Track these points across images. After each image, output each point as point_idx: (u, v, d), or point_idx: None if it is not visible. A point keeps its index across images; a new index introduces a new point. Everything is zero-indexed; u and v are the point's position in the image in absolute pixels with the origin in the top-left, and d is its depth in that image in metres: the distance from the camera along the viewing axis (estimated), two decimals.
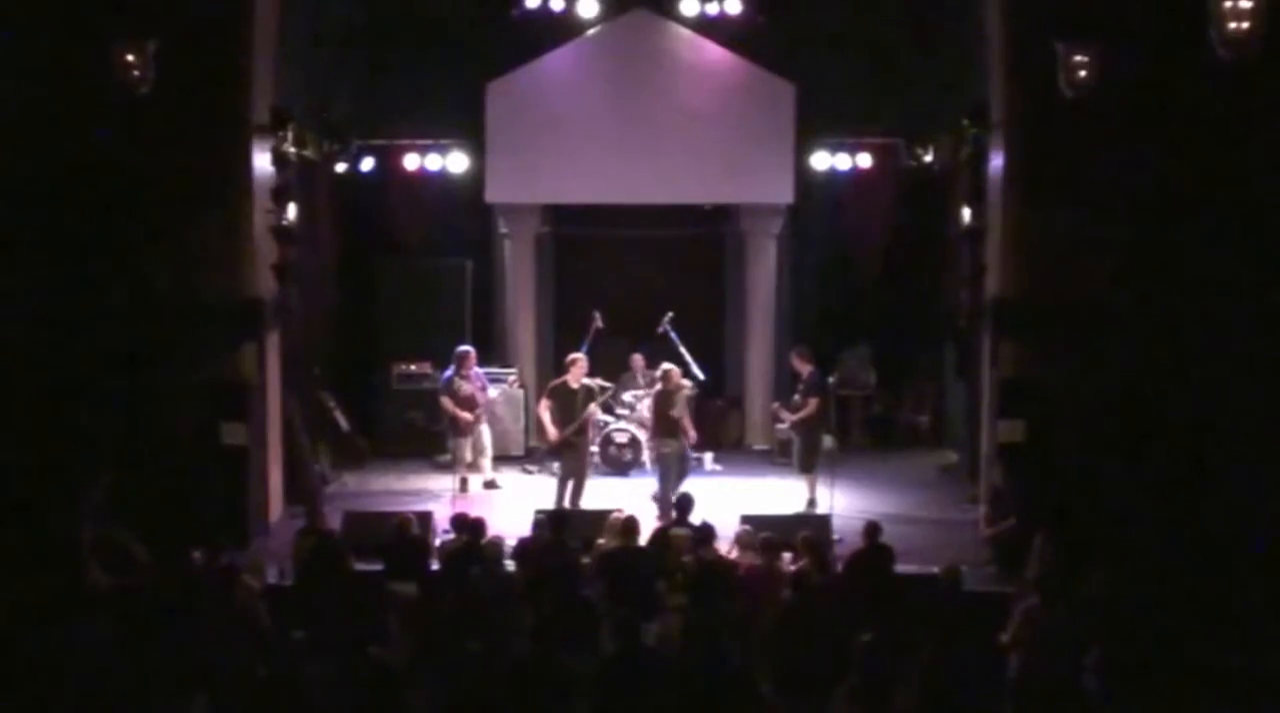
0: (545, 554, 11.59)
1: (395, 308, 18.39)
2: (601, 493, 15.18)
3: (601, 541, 11.96)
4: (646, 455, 16.11)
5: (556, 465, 15.25)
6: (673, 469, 14.58)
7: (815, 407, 14.72)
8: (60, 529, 11.80)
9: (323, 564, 11.40)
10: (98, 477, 12.53)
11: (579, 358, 15.08)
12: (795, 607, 10.51)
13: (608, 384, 16.22)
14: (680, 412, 14.80)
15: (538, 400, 15.97)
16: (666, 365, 15.14)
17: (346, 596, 10.96)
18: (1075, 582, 10.42)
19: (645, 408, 16.43)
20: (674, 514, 12.47)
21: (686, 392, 15.16)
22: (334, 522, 13.19)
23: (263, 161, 14.08)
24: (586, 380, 14.94)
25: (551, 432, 14.62)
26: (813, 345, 15.61)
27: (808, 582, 10.74)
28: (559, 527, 11.94)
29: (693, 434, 15.00)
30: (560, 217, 18.98)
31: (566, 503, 14.44)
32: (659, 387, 14.99)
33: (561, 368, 15.76)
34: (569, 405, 14.62)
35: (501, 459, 16.77)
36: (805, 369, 14.88)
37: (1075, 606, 10.12)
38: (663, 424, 14.77)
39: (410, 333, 18.03)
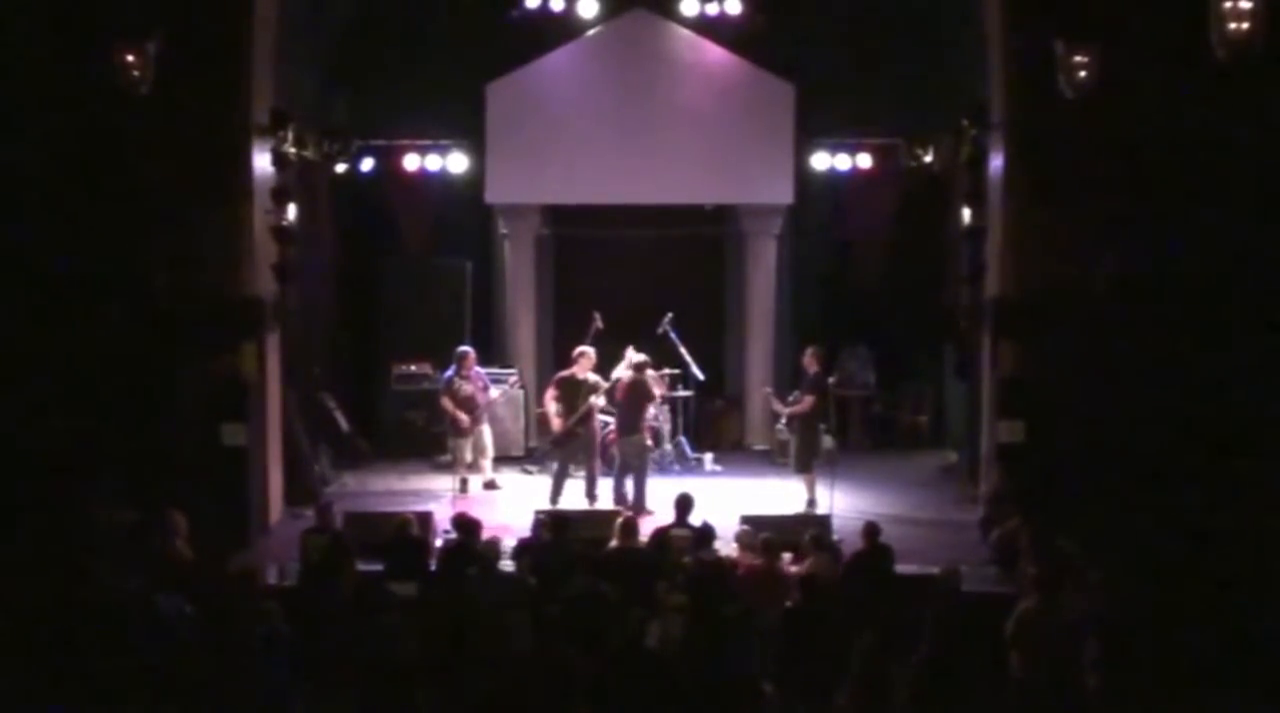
0: (549, 554, 11.61)
1: (395, 308, 18.39)
2: (603, 493, 15.19)
3: (614, 543, 11.93)
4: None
5: (555, 463, 15.31)
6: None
7: (809, 405, 14.73)
8: (63, 528, 11.83)
9: (331, 564, 11.40)
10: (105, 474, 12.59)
11: (586, 351, 15.29)
12: (799, 607, 10.52)
13: (605, 381, 16.22)
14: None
15: (541, 395, 16.05)
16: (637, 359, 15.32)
17: (352, 596, 10.96)
18: (1074, 581, 10.41)
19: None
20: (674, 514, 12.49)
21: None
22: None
23: (263, 162, 14.09)
24: (591, 375, 15.08)
25: (555, 423, 15.04)
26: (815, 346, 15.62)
27: (815, 583, 10.74)
28: (561, 529, 11.93)
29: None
30: (560, 217, 18.98)
31: (583, 496, 14.95)
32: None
33: (562, 366, 15.80)
34: (574, 397, 14.93)
35: (502, 459, 16.76)
36: (812, 369, 14.90)
37: (1074, 604, 10.12)
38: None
39: (410, 333, 18.03)
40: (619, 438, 15.11)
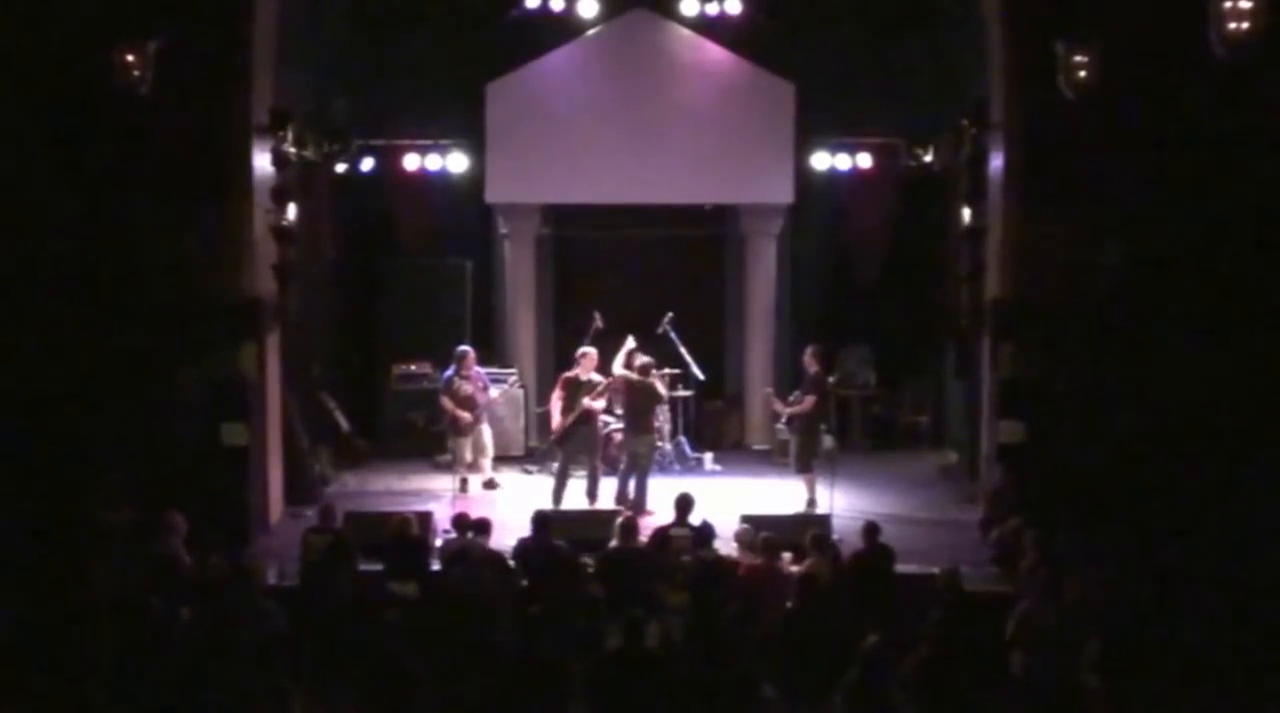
0: (536, 554, 11.61)
1: (395, 308, 18.40)
2: (604, 493, 15.20)
3: (614, 543, 11.92)
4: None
5: (556, 463, 15.33)
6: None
7: (810, 405, 14.73)
8: (63, 528, 11.84)
9: (331, 564, 11.40)
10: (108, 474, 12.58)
11: (589, 352, 15.27)
12: (799, 607, 10.52)
13: (602, 377, 16.20)
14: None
15: (541, 395, 16.05)
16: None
17: (353, 595, 10.98)
18: (1074, 581, 10.42)
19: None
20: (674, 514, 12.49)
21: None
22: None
23: (263, 162, 14.08)
24: (595, 375, 15.05)
25: (555, 422, 15.07)
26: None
27: (815, 583, 10.74)
28: (544, 527, 11.92)
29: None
30: (560, 217, 18.97)
31: (584, 496, 14.86)
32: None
33: (561, 366, 15.80)
34: (576, 398, 14.94)
35: (501, 459, 16.76)
36: (813, 368, 14.91)
37: (1074, 604, 10.12)
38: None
39: (410, 333, 18.03)
40: (630, 438, 15.03)
